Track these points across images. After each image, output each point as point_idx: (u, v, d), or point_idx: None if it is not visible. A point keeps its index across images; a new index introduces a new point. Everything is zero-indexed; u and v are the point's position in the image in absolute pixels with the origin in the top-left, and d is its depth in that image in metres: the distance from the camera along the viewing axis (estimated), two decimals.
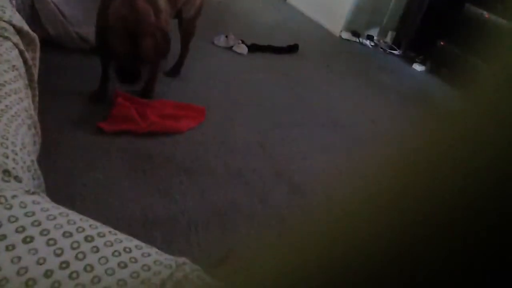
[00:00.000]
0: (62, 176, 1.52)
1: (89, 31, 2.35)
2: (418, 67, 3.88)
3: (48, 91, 1.96)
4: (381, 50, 4.13)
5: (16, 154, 0.74)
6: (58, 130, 1.74)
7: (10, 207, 0.60)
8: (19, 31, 0.96)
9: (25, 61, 0.91)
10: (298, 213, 1.71)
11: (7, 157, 0.72)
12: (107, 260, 0.57)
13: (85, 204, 1.43)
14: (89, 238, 0.59)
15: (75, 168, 1.57)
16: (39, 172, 0.83)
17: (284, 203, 1.73)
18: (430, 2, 3.80)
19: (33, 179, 0.76)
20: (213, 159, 1.87)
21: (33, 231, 0.57)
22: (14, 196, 0.62)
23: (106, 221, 1.37)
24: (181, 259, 0.65)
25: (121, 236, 0.63)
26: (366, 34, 4.22)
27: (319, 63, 3.43)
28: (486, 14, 3.32)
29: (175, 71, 2.50)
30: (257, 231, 1.55)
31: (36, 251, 0.55)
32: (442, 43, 3.69)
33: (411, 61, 3.94)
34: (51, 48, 2.30)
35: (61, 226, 0.60)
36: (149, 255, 0.62)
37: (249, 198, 1.70)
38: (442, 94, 3.50)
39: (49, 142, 1.63)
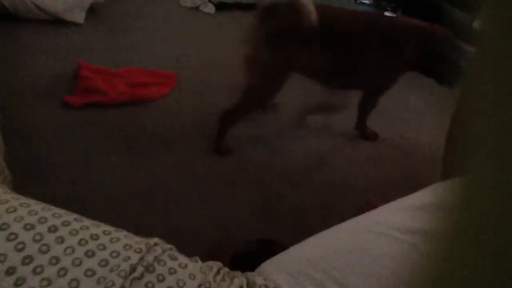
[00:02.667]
0: (30, 157, 1.47)
1: (46, 0, 2.24)
2: (390, 15, 3.84)
3: (7, 66, 1.88)
4: None
5: None
6: (20, 107, 1.67)
7: None
8: None
9: None
10: (276, 175, 1.70)
11: None
12: (73, 250, 0.55)
13: (58, 184, 1.40)
14: (53, 229, 0.57)
15: (43, 147, 1.52)
16: (3, 164, 0.79)
17: (263, 166, 1.72)
18: None
19: None
20: (189, 126, 1.84)
21: None
22: None
23: (82, 199, 1.35)
24: (153, 240, 0.64)
25: (87, 222, 0.61)
26: None
27: None
28: None
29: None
30: (239, 197, 1.55)
31: None
32: None
33: (383, 9, 3.89)
34: (7, 20, 2.19)
35: (22, 218, 0.57)
36: (118, 239, 0.60)
37: (227, 164, 1.69)
38: None
39: (12, 122, 1.57)
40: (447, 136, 1.15)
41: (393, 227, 0.69)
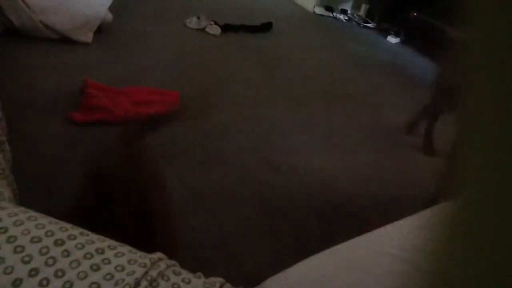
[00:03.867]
0: (36, 170, 1.48)
1: (53, 19, 2.29)
2: (392, 39, 3.88)
3: (15, 83, 1.91)
4: (355, 23, 4.11)
5: None
6: (27, 122, 1.69)
7: None
8: None
9: None
10: (279, 192, 1.71)
11: None
12: (79, 264, 0.56)
13: (61, 197, 1.40)
14: (59, 242, 0.58)
15: (49, 161, 1.54)
16: (11, 178, 0.81)
17: (265, 183, 1.73)
18: None
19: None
20: (191, 142, 1.85)
21: None
22: None
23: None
24: (156, 255, 0.64)
25: (93, 236, 0.62)
26: (339, 8, 4.20)
27: (294, 40, 3.40)
28: None
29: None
30: (240, 213, 1.55)
31: (3, 260, 0.53)
32: (414, 14, 3.69)
33: (386, 33, 3.94)
34: (16, 38, 2.23)
35: (29, 232, 0.58)
36: (122, 254, 0.60)
37: (229, 180, 1.69)
38: (416, 65, 3.51)
39: (19, 136, 1.59)
40: (449, 157, 1.16)
41: (395, 246, 0.69)
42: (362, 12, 4.21)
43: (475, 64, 0.21)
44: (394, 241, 0.70)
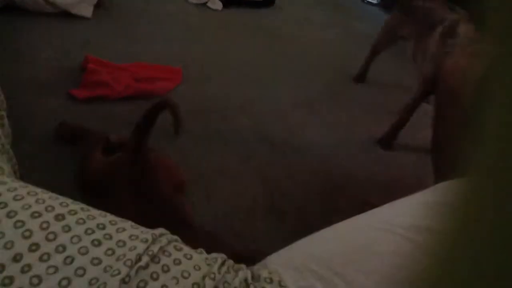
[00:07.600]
0: (36, 147, 1.48)
1: None
2: None
3: (14, 59, 1.89)
4: None
5: None
6: (28, 99, 1.68)
7: None
8: None
9: None
10: (280, 171, 1.70)
11: None
12: (80, 239, 0.56)
13: (61, 175, 1.40)
14: (60, 217, 0.57)
15: (49, 138, 1.53)
16: (11, 152, 0.80)
17: (267, 163, 1.72)
18: None
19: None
20: (192, 121, 1.84)
21: None
22: None
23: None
24: (158, 231, 0.64)
25: (94, 212, 0.61)
26: None
27: (297, 16, 3.36)
28: None
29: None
30: (242, 191, 1.55)
31: (3, 235, 0.53)
32: None
33: (389, 9, 3.88)
34: (15, 13, 2.20)
35: (30, 206, 0.57)
36: (124, 230, 0.60)
37: (230, 160, 1.69)
38: None
39: (19, 113, 1.58)
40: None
41: (399, 224, 0.69)
42: None
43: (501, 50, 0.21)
44: (397, 220, 0.70)
